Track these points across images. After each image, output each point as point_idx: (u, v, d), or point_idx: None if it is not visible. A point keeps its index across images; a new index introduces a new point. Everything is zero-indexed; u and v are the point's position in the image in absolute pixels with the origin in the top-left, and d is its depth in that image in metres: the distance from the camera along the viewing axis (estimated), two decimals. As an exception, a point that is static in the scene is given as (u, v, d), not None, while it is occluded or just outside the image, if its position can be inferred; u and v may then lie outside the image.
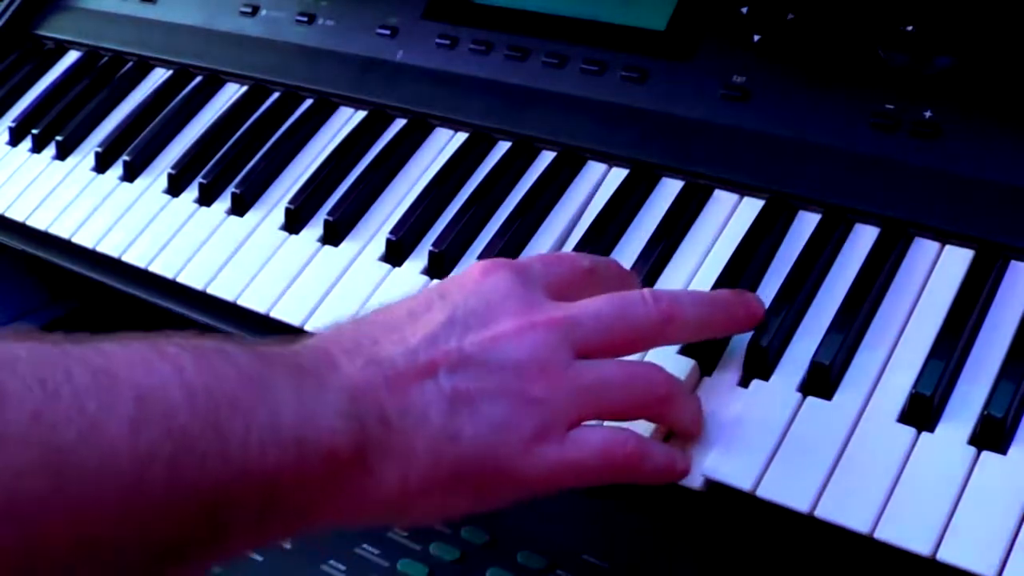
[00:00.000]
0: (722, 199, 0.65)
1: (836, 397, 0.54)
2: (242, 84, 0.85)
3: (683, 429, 0.51)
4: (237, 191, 0.76)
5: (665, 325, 0.49)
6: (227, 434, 0.39)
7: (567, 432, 0.45)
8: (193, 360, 0.40)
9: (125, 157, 0.82)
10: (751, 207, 0.63)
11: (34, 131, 0.88)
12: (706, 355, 0.57)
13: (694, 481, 0.52)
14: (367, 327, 0.46)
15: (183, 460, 0.38)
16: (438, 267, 0.67)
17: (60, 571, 0.37)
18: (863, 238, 0.60)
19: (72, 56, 0.96)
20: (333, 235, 0.71)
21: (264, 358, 0.43)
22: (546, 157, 0.71)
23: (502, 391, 0.43)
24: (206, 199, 0.77)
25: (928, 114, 0.61)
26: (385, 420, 0.42)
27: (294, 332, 0.66)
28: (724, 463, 0.53)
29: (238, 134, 0.81)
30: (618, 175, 0.68)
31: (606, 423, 0.49)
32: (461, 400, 0.43)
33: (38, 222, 0.81)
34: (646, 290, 0.50)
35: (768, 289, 0.59)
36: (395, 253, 0.69)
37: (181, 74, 0.88)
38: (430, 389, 0.43)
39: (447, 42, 0.78)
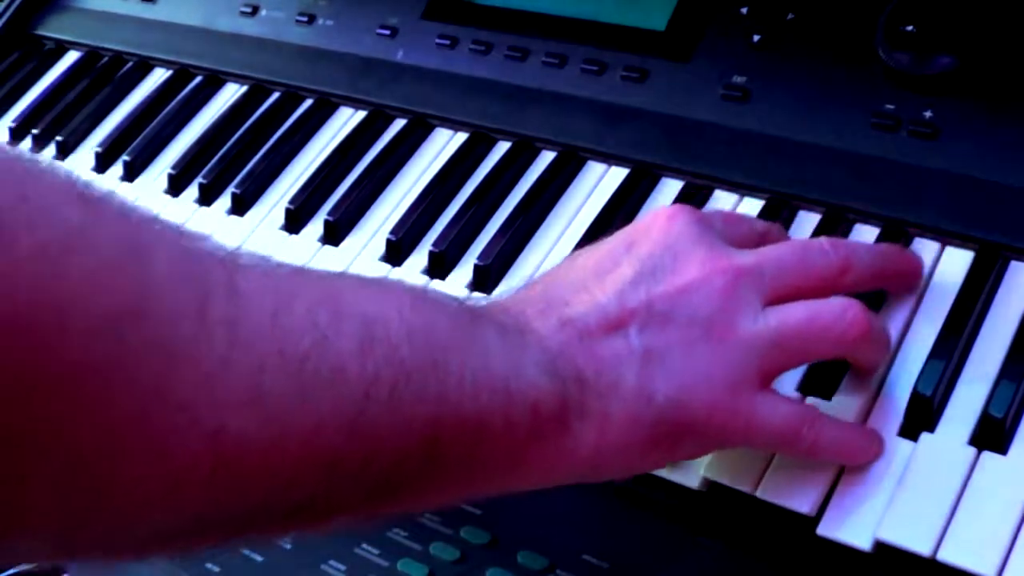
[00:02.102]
0: (722, 199, 0.64)
1: (836, 397, 0.53)
2: (242, 84, 0.85)
3: (865, 368, 0.51)
4: (237, 191, 0.76)
5: (843, 275, 0.49)
6: (444, 372, 0.40)
7: (759, 388, 0.45)
8: (411, 300, 0.41)
9: (125, 157, 0.82)
10: (751, 207, 0.63)
11: (34, 131, 0.88)
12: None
13: (692, 481, 0.53)
14: (556, 287, 0.46)
15: (403, 388, 0.39)
16: (438, 267, 0.67)
17: (289, 485, 0.37)
18: (863, 238, 0.60)
19: (72, 56, 0.96)
20: (333, 235, 0.71)
21: (470, 311, 0.44)
22: (546, 157, 0.71)
23: (693, 345, 0.44)
24: (206, 199, 0.77)
25: (928, 114, 0.61)
26: (581, 380, 0.43)
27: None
28: (724, 466, 0.53)
29: (238, 134, 0.81)
30: (618, 175, 0.68)
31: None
32: (653, 356, 0.43)
33: (38, 222, 0.81)
34: (824, 239, 0.50)
35: (768, 289, 0.59)
36: (395, 253, 0.69)
37: (181, 74, 0.88)
38: (622, 346, 0.43)
39: (447, 42, 0.78)
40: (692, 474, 0.53)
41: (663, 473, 0.53)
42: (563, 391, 0.42)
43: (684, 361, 0.44)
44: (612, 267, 0.46)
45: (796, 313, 0.46)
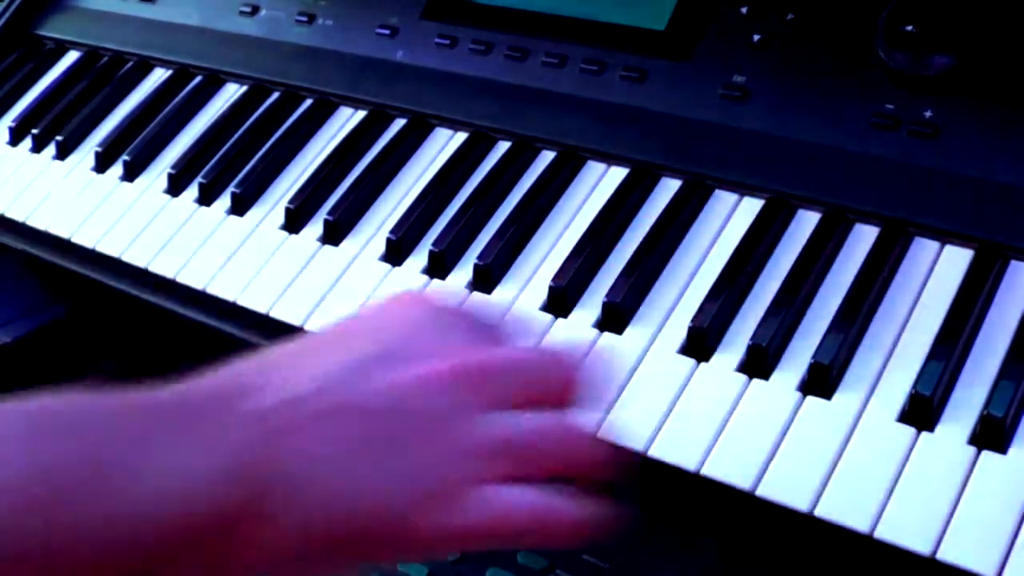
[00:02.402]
0: (722, 199, 0.65)
1: (836, 397, 0.54)
2: (242, 84, 0.85)
3: (587, 483, 0.44)
4: (237, 191, 0.76)
5: (577, 384, 0.44)
6: (41, 532, 0.34)
7: (472, 492, 0.40)
8: (24, 442, 0.36)
9: (125, 157, 0.82)
10: (751, 207, 0.63)
11: (34, 131, 0.88)
12: (702, 351, 0.57)
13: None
14: (271, 364, 0.41)
15: None
16: (438, 267, 0.67)
17: None
18: (863, 238, 0.60)
19: (72, 56, 0.96)
20: (333, 235, 0.71)
21: (136, 413, 0.38)
22: (546, 157, 0.71)
23: (403, 444, 0.39)
24: (206, 199, 0.77)
25: (928, 114, 0.61)
26: (275, 475, 0.38)
27: (295, 331, 0.66)
28: (723, 462, 0.53)
29: (238, 134, 0.81)
30: (618, 175, 0.68)
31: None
32: (358, 454, 0.39)
33: (38, 222, 0.81)
34: (563, 351, 0.45)
35: (768, 289, 0.59)
36: (395, 253, 0.69)
37: (181, 74, 0.88)
38: (325, 440, 0.39)
39: (447, 42, 0.78)
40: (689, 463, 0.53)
41: (663, 458, 0.54)
42: (247, 493, 0.37)
43: (390, 462, 0.39)
44: (333, 348, 0.42)
45: (522, 422, 0.41)
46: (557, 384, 0.43)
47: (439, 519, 0.39)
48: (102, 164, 0.83)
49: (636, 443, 0.55)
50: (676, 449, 0.54)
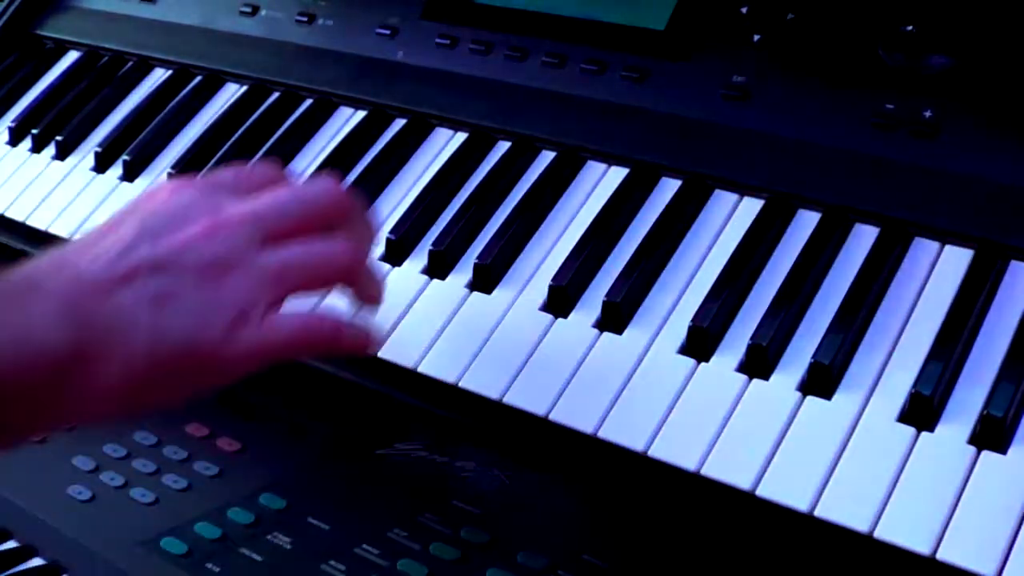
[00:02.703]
0: (722, 199, 0.65)
1: (836, 397, 0.54)
2: (242, 84, 0.85)
3: (368, 297, 0.56)
4: (237, 191, 0.76)
5: (337, 215, 0.54)
6: None
7: (265, 315, 0.50)
8: None
9: (125, 157, 0.82)
10: (751, 207, 0.63)
11: (34, 131, 0.88)
12: (702, 351, 0.57)
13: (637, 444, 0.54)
14: (63, 253, 0.50)
15: None
16: (438, 267, 0.67)
17: None
18: (863, 238, 0.60)
19: (72, 56, 0.96)
20: (333, 235, 0.71)
21: None
22: (546, 157, 0.71)
23: (198, 287, 0.48)
24: (206, 199, 0.77)
25: (928, 114, 0.61)
26: (98, 325, 0.47)
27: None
28: (723, 462, 0.53)
29: (238, 134, 0.81)
30: (618, 175, 0.68)
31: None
32: (162, 300, 0.48)
33: (38, 222, 0.81)
34: (324, 182, 0.55)
35: (768, 289, 0.59)
36: (395, 253, 0.69)
37: (181, 74, 0.88)
38: (132, 294, 0.47)
39: (447, 42, 0.78)
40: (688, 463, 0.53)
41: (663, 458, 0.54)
42: (80, 337, 0.46)
43: (190, 304, 0.48)
44: (117, 227, 0.50)
45: (292, 249, 0.51)
46: (323, 211, 0.53)
47: (242, 341, 0.49)
48: (102, 164, 0.83)
49: (636, 443, 0.55)
50: (676, 449, 0.54)
